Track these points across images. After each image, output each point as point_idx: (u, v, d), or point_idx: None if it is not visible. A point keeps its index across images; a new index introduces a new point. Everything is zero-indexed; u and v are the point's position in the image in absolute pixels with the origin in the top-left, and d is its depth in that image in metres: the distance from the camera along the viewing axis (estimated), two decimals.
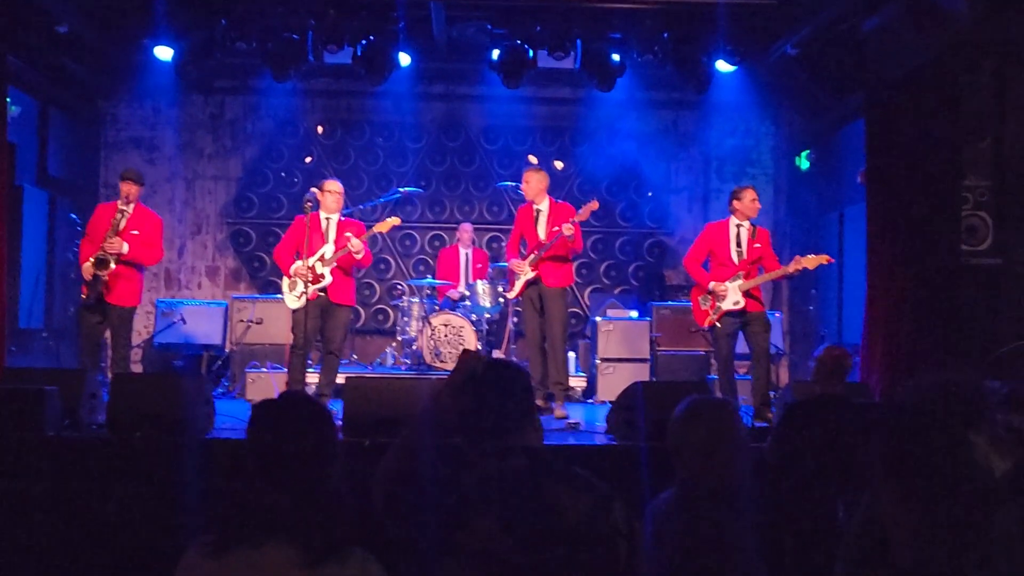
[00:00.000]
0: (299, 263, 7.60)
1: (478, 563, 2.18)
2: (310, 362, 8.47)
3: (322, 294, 7.61)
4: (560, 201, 8.25)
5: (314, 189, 7.83)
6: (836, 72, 9.36)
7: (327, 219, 7.79)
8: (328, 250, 7.62)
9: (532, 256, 7.99)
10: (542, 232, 8.02)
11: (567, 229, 7.68)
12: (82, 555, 5.28)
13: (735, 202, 7.77)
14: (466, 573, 2.19)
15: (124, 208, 7.69)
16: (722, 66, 9.51)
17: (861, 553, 2.27)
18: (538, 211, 8.10)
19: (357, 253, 7.54)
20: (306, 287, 7.50)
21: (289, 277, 7.68)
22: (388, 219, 7.85)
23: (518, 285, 8.08)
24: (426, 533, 2.26)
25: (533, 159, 11.39)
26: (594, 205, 7.95)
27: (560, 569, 2.19)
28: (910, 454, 2.05)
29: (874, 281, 8.36)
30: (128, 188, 7.73)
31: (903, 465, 2.04)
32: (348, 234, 7.61)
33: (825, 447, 4.53)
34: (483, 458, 2.33)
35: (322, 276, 7.55)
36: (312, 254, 7.58)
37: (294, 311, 7.66)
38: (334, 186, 7.84)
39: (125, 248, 7.61)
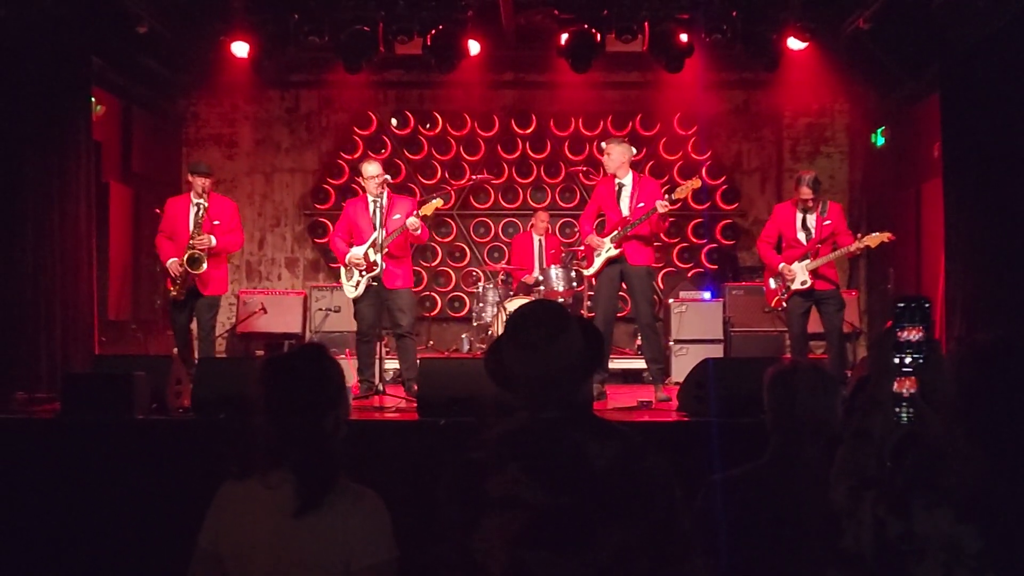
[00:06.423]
0: (352, 251, 7.58)
1: (504, 512, 2.17)
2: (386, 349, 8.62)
3: (375, 284, 7.53)
4: (644, 175, 8.02)
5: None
6: (910, 45, 9.19)
7: (374, 202, 7.59)
8: (379, 236, 7.47)
9: (616, 232, 7.40)
10: (625, 207, 7.43)
11: (662, 206, 7.19)
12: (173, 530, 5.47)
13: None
14: (493, 522, 2.17)
15: (200, 201, 7.88)
16: (793, 43, 9.39)
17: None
18: (620, 185, 7.52)
19: (415, 230, 7.39)
20: (361, 275, 7.53)
21: (345, 267, 7.67)
22: (432, 201, 7.69)
23: (598, 262, 7.51)
24: (458, 484, 2.27)
25: (605, 145, 11.37)
26: (696, 183, 7.52)
27: (591, 516, 2.16)
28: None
29: (952, 257, 8.21)
30: (203, 182, 7.88)
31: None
32: (397, 216, 7.54)
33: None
34: (520, 409, 2.29)
35: (375, 264, 7.46)
36: (363, 241, 7.57)
37: (354, 300, 7.68)
38: (370, 170, 7.63)
39: (214, 242, 7.84)
